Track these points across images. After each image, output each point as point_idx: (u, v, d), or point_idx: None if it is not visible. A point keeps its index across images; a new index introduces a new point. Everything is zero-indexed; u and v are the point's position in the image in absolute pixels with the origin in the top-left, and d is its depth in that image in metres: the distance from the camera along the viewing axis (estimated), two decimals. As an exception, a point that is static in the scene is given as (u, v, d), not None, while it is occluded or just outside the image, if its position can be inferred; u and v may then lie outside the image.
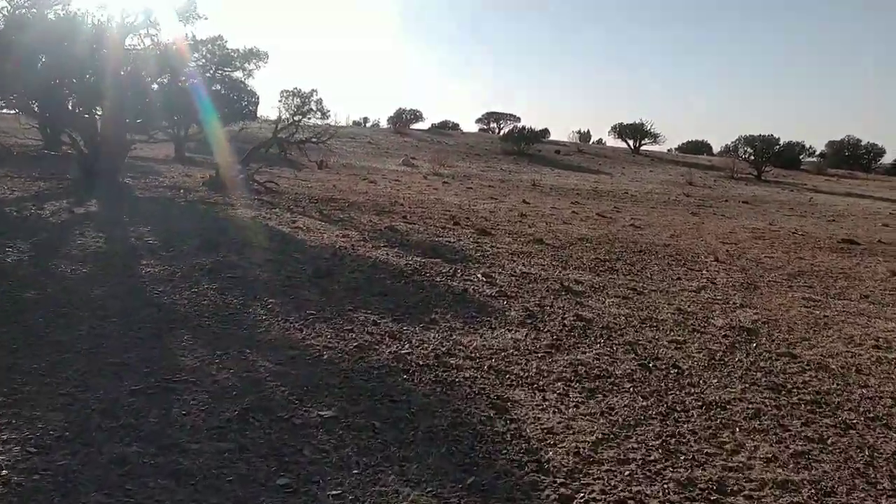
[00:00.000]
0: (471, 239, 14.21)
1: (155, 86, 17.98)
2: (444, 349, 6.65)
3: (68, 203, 13.32)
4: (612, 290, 10.23)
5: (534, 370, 6.30)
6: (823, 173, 52.18)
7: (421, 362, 6.23)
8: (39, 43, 15.64)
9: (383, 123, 64.23)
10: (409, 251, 11.81)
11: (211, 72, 18.07)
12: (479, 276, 10.23)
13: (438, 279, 9.77)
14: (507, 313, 8.25)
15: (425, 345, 6.74)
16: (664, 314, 8.96)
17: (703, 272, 12.92)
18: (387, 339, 6.84)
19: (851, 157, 58.85)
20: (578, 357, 6.76)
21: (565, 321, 8.10)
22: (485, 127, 68.81)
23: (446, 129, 64.88)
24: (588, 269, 12.04)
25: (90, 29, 15.71)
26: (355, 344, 6.54)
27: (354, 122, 63.49)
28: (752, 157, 46.68)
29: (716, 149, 66.85)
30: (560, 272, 11.40)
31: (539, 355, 6.75)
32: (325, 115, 23.54)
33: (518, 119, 64.29)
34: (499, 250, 13.02)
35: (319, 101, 23.24)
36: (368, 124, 65.12)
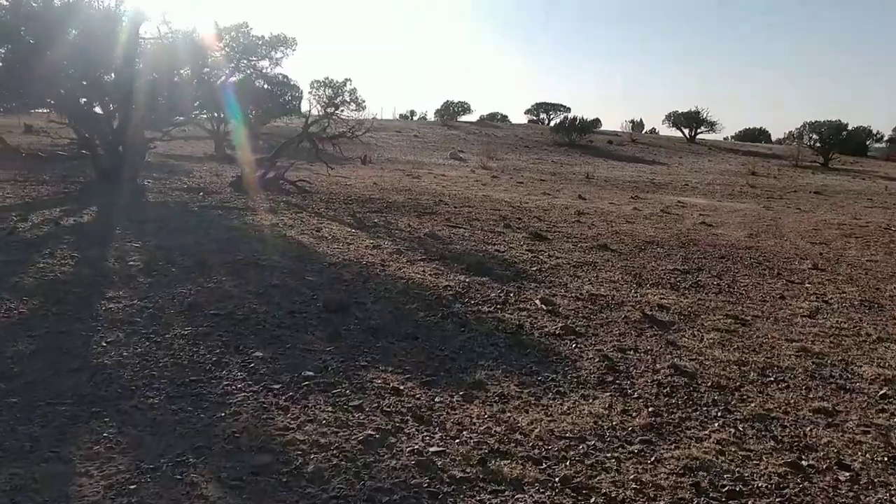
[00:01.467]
0: (524, 246, 11.89)
1: (176, 78, 15.96)
2: (492, 443, 4.37)
3: (61, 212, 11.36)
4: (707, 319, 7.84)
5: (631, 485, 3.99)
6: (893, 159, 48.48)
7: (458, 473, 3.96)
8: (44, 31, 13.75)
9: (430, 116, 62.01)
10: (450, 266, 9.57)
11: (235, 61, 15.97)
12: (536, 301, 7.93)
13: (486, 309, 7.49)
14: (578, 365, 5.94)
15: (465, 433, 4.47)
16: (788, 359, 6.55)
17: (807, 285, 10.44)
18: (410, 421, 4.59)
19: (920, 141, 54.78)
20: (692, 452, 4.42)
21: (659, 377, 5.77)
22: (534, 118, 66.09)
23: (495, 120, 62.39)
24: (669, 285, 9.65)
25: (96, 15, 13.73)
26: (361, 436, 4.30)
27: (401, 116, 61.47)
28: (818, 144, 43.31)
29: (774, 136, 63.27)
30: (636, 291, 9.03)
31: (634, 449, 4.43)
32: (359, 106, 21.33)
33: (568, 109, 61.50)
34: (558, 261, 10.69)
35: (353, 92, 21.15)
36: (415, 117, 62.97)
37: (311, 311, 6.86)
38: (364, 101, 24.20)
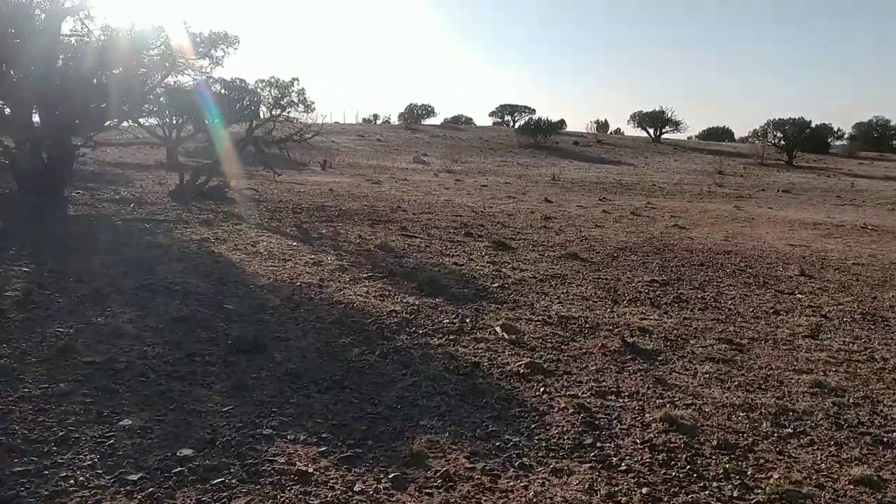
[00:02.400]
0: (486, 257, 10.57)
1: (105, 79, 14.41)
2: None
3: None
4: (697, 345, 6.55)
5: None
6: (854, 157, 48.00)
7: None
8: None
9: (394, 120, 60.56)
10: (400, 285, 8.20)
11: (170, 61, 14.42)
12: (497, 329, 6.59)
13: (435, 341, 6.13)
14: (548, 419, 4.60)
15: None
16: (802, 399, 5.28)
17: (798, 295, 9.23)
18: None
19: (879, 138, 54.45)
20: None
21: (651, 434, 4.44)
22: (499, 120, 64.86)
23: (459, 123, 61.09)
24: (648, 300, 8.36)
25: (9, 9, 12.17)
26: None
27: (364, 120, 59.94)
28: (783, 143, 42.56)
29: (737, 135, 62.73)
30: (612, 310, 7.73)
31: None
32: (308, 107, 19.86)
33: (533, 111, 60.30)
34: (523, 274, 9.38)
35: (302, 92, 19.58)
36: (379, 121, 61.48)
37: (218, 352, 5.44)
38: (313, 103, 22.64)
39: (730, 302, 8.58)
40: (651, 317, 7.54)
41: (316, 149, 37.43)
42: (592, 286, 9.01)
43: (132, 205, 13.17)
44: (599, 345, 6.31)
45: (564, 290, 8.58)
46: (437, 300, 7.57)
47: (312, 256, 9.56)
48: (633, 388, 5.26)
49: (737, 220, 18.09)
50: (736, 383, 5.53)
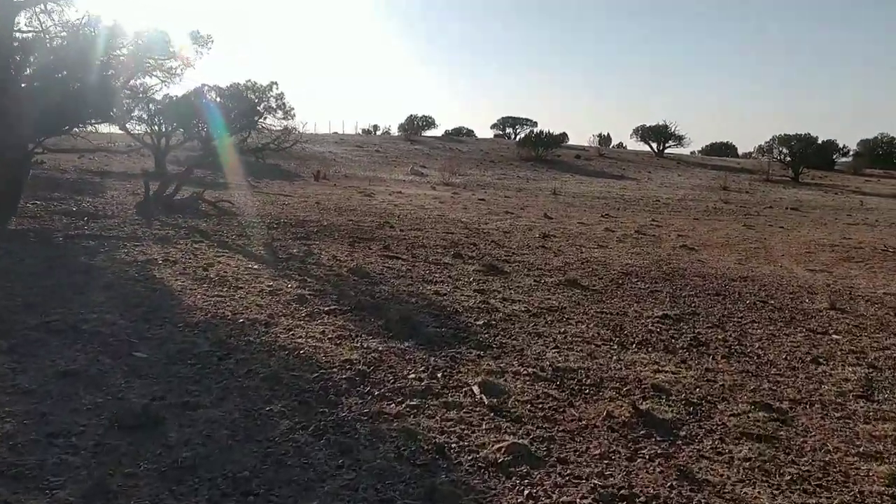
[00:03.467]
0: (473, 284, 9.13)
1: (59, 76, 13.00)
2: None
3: None
4: (729, 414, 5.09)
5: None
6: (860, 174, 46.54)
7: None
8: None
9: (394, 131, 59.23)
10: (366, 322, 6.76)
11: (136, 61, 13.06)
12: (474, 388, 5.13)
13: (393, 408, 4.68)
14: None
15: None
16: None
17: (833, 335, 7.79)
18: None
19: (885, 155, 52.97)
20: None
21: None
22: (500, 133, 63.55)
23: (460, 135, 59.72)
24: (661, 344, 6.91)
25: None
26: None
27: (363, 131, 58.63)
28: (788, 159, 41.12)
29: (741, 150, 61.33)
30: (618, 358, 6.28)
31: None
32: (288, 114, 18.45)
33: (535, 123, 59.02)
34: (514, 308, 7.93)
35: (280, 97, 18.18)
36: (378, 132, 60.13)
37: (93, 429, 4.00)
38: (293, 109, 21.28)
39: (757, 345, 7.12)
40: (666, 368, 6.09)
41: (312, 159, 36.11)
42: (595, 323, 7.56)
43: (86, 218, 11.75)
44: (604, 413, 4.85)
45: (562, 330, 7.13)
46: (407, 344, 6.12)
47: (271, 283, 8.11)
48: (650, 489, 3.81)
49: (748, 241, 16.63)
50: (787, 478, 4.07)
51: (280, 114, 19.06)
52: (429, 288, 8.72)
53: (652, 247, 14.71)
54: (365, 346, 5.96)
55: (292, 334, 6.15)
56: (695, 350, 6.79)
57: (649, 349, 6.71)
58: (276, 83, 19.06)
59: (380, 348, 5.92)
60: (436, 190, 27.26)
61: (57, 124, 13.18)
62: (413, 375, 5.33)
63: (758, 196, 32.54)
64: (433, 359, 5.78)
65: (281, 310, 6.97)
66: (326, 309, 7.15)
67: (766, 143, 42.12)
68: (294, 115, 22.40)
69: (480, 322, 7.16)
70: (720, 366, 6.30)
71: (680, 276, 11.28)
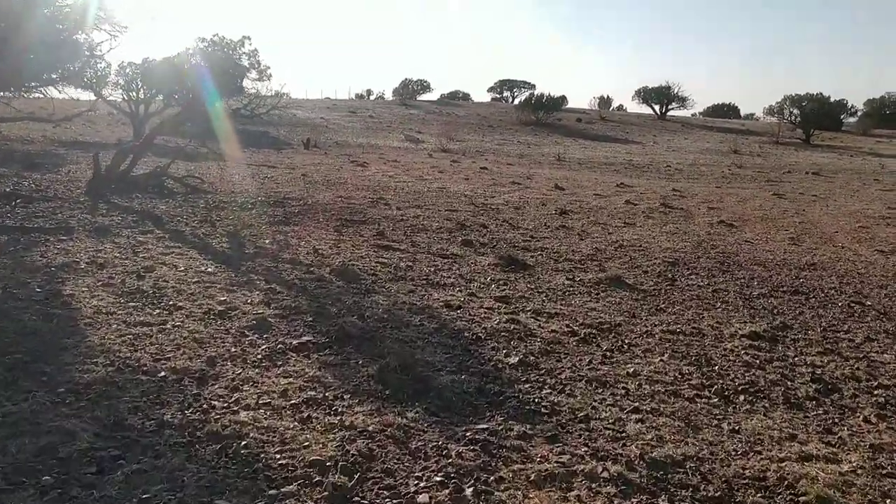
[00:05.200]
0: (493, 289, 6.89)
1: None
2: None
3: None
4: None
5: None
6: (869, 134, 44.12)
7: None
8: None
9: (389, 96, 56.38)
10: (349, 371, 4.53)
11: (82, 13, 10.64)
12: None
13: None
14: None
15: None
16: None
17: None
18: None
19: (892, 115, 50.46)
20: None
21: None
22: (497, 96, 60.65)
23: (456, 99, 56.93)
24: (778, 393, 4.69)
25: None
26: None
27: (357, 96, 55.83)
28: (798, 120, 38.65)
29: (743, 111, 58.74)
30: (731, 426, 4.08)
31: None
32: (263, 74, 15.91)
33: (533, 86, 56.10)
34: (553, 327, 5.70)
35: (254, 54, 15.62)
36: (372, 97, 57.29)
37: None
38: (269, 69, 18.77)
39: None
40: (810, 445, 3.87)
41: (303, 126, 33.57)
42: (668, 352, 5.33)
43: (15, 202, 9.41)
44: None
45: (629, 369, 4.89)
46: (412, 414, 3.88)
47: (224, 297, 5.84)
48: None
49: (788, 214, 14.39)
50: None
51: (254, 73, 16.47)
52: (436, 297, 6.46)
53: (685, 223, 12.49)
54: (348, 423, 3.71)
55: (235, 402, 3.89)
56: (828, 401, 4.57)
57: (765, 403, 4.48)
58: (248, 38, 16.52)
59: (370, 428, 3.67)
60: (433, 157, 24.86)
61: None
62: (423, 498, 3.08)
63: (771, 160, 30.19)
64: (454, 449, 3.54)
65: (228, 348, 4.70)
66: (295, 343, 4.89)
67: (776, 103, 39.57)
68: (270, 75, 19.82)
69: (513, 359, 4.91)
70: (884, 440, 4.06)
71: (736, 264, 9.09)
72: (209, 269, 6.78)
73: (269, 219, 10.01)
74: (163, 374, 4.15)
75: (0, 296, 5.31)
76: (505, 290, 6.96)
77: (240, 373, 4.29)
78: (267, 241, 8.44)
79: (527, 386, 4.45)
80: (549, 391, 4.40)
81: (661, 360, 5.12)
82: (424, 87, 53.15)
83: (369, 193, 13.61)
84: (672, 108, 48.34)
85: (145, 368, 4.21)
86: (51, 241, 7.42)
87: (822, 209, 15.53)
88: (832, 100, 39.86)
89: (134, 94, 25.77)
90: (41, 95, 22.08)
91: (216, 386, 4.09)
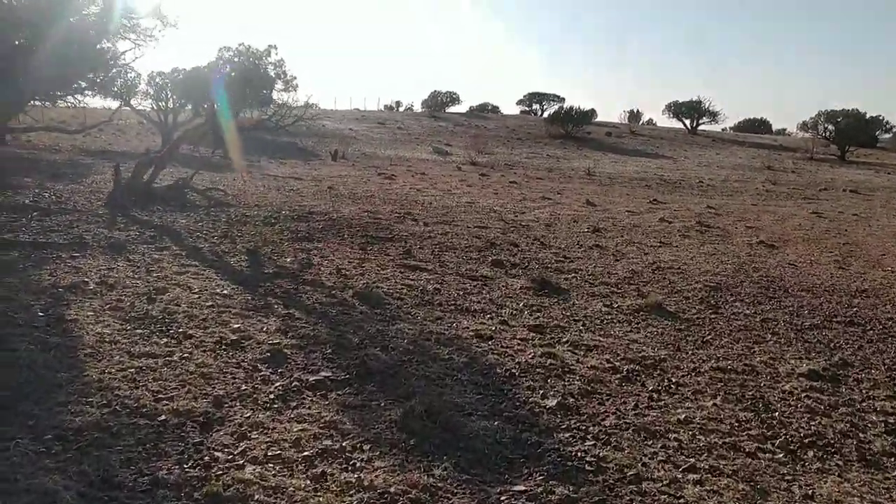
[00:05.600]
0: (526, 316, 6.40)
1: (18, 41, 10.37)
2: None
3: None
4: None
5: None
6: (905, 151, 42.91)
7: None
8: None
9: (417, 107, 56.11)
10: (370, 415, 4.08)
11: (107, 21, 10.35)
12: None
13: None
14: None
15: None
16: None
17: None
18: None
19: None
20: None
21: None
22: (527, 109, 60.12)
23: (485, 111, 56.50)
24: (851, 449, 4.14)
25: None
26: None
27: (386, 107, 55.63)
28: (834, 136, 37.67)
29: (775, 126, 57.64)
30: (803, 491, 3.51)
31: None
32: (289, 84, 15.57)
33: (563, 99, 55.49)
34: (593, 362, 5.20)
35: (280, 64, 15.28)
36: (401, 108, 57.05)
37: None
38: (295, 79, 18.39)
39: None
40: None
41: (331, 136, 33.34)
42: (720, 393, 4.80)
43: (32, 215, 9.09)
44: None
45: (679, 414, 4.38)
46: (440, 472, 3.40)
47: (239, 324, 5.40)
48: None
49: (830, 234, 13.73)
50: None
51: (280, 84, 16.15)
52: (465, 325, 5.98)
53: (723, 243, 11.91)
54: (367, 483, 3.24)
55: (241, 453, 3.44)
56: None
57: (838, 460, 3.94)
58: (274, 47, 16.17)
59: (392, 489, 3.20)
60: (462, 170, 24.43)
61: (19, 97, 10.58)
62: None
63: (806, 177, 29.35)
64: (489, 519, 3.04)
65: (238, 385, 4.26)
66: (312, 380, 4.43)
67: (810, 119, 38.56)
68: (296, 85, 19.47)
69: (552, 401, 4.42)
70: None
71: (782, 289, 8.51)
72: (225, 291, 6.36)
73: (292, 235, 9.60)
74: (163, 416, 3.71)
75: (0, 321, 4.91)
76: (539, 317, 6.47)
77: (249, 416, 3.84)
78: (288, 260, 8.02)
79: (567, 435, 3.96)
80: (592, 442, 3.90)
81: (714, 405, 4.59)
82: (453, 98, 52.81)
83: (396, 208, 13.19)
84: (703, 123, 47.46)
85: (144, 410, 3.77)
86: (62, 257, 7.05)
87: (865, 229, 14.83)
88: (867, 116, 38.69)
89: (163, 103, 25.66)
90: (69, 105, 22.05)
91: (221, 432, 3.64)
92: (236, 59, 16.72)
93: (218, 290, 6.36)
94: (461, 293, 7.14)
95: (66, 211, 9.77)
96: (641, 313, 6.90)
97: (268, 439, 3.60)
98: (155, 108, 25.77)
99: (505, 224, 12.27)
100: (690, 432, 4.12)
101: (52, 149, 20.19)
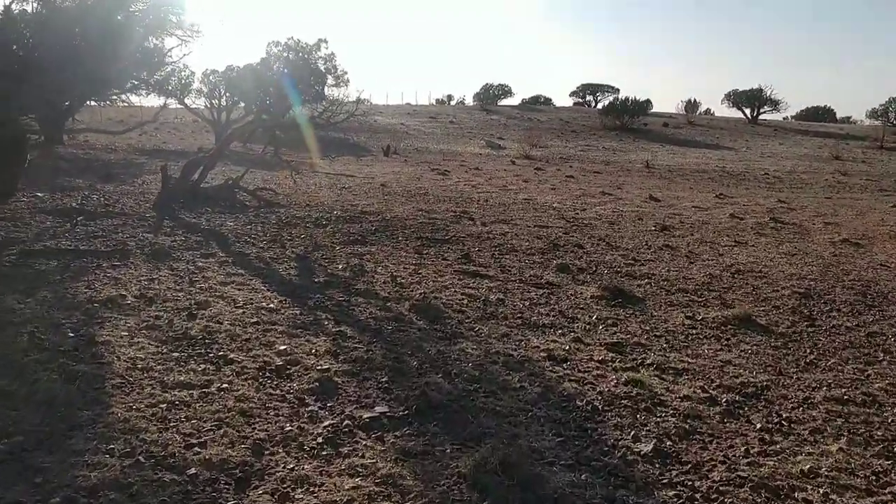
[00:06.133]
0: (601, 332, 5.71)
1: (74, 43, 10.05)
2: None
3: None
4: None
5: None
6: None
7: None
8: None
9: (469, 101, 55.32)
10: (436, 456, 3.44)
11: (155, 18, 9.92)
12: None
13: None
14: None
15: None
16: None
17: None
18: None
19: None
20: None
21: None
22: (580, 100, 58.84)
23: (538, 104, 55.42)
24: None
25: None
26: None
27: (437, 101, 55.01)
28: (904, 123, 35.77)
29: (839, 114, 55.30)
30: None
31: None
32: (340, 79, 14.98)
33: (617, 90, 54.09)
34: (686, 395, 4.46)
35: (331, 59, 14.69)
36: (453, 102, 56.34)
37: None
38: (346, 74, 17.79)
39: None
40: None
41: (383, 132, 32.89)
42: (846, 436, 4.02)
43: (78, 219, 8.69)
44: None
45: (802, 465, 3.64)
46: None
47: (285, 345, 4.83)
48: None
49: (919, 230, 12.62)
50: None
51: (330, 79, 15.57)
52: (535, 343, 5.30)
53: (803, 242, 10.99)
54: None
55: (283, 522, 2.81)
56: None
57: None
58: (324, 41, 15.57)
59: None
60: (516, 164, 23.68)
61: (68, 96, 10.25)
62: None
63: (878, 167, 27.78)
64: None
65: (282, 425, 3.66)
66: (366, 417, 3.82)
67: (879, 106, 36.64)
68: (348, 80, 18.89)
69: (646, 445, 3.72)
70: None
71: (881, 296, 7.65)
72: (271, 305, 5.79)
73: (344, 238, 9.04)
74: (193, 470, 3.13)
75: (25, 345, 4.41)
76: (615, 332, 5.76)
77: (293, 467, 3.24)
78: (340, 267, 7.44)
79: (671, 494, 3.26)
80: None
81: (840, 449, 3.83)
82: (506, 91, 51.91)
83: (452, 206, 12.55)
84: (764, 112, 45.67)
85: (172, 461, 3.19)
86: (103, 266, 6.58)
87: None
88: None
89: (216, 101, 25.47)
90: (126, 104, 21.95)
91: (260, 490, 3.04)
92: (285, 55, 16.20)
93: (264, 304, 5.80)
94: (527, 304, 6.47)
95: (112, 214, 9.36)
96: (729, 327, 6.14)
97: (315, 501, 2.99)
98: (208, 105, 25.58)
99: (566, 222, 11.54)
100: (821, 490, 3.38)
101: (108, 148, 20.07)
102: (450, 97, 58.19)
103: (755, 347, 5.62)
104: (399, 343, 5.09)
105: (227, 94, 25.16)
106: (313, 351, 4.78)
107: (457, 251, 8.64)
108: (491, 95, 51.06)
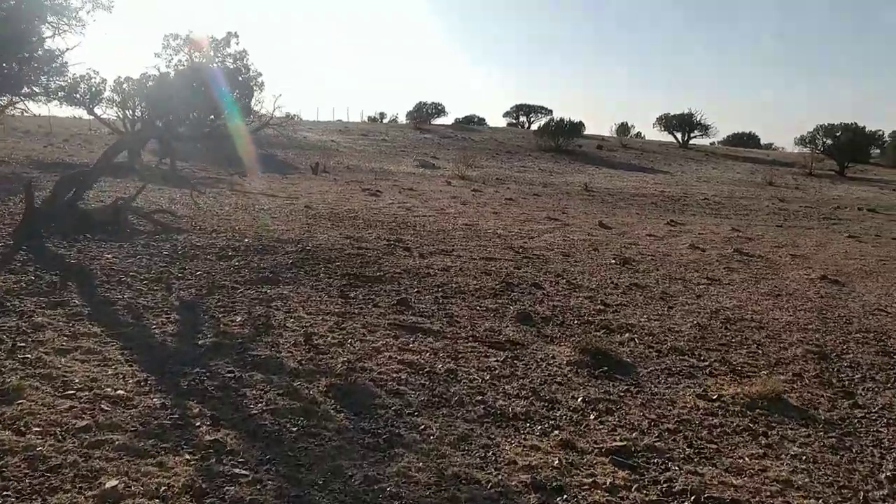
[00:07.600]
0: (593, 425, 3.93)
1: None
2: None
3: None
4: None
5: None
6: (896, 166, 41.08)
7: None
8: None
9: (402, 119, 53.60)
10: None
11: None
12: None
13: None
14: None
15: None
16: None
17: None
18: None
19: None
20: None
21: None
22: (514, 121, 57.80)
23: (472, 124, 54.08)
24: None
25: None
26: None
27: (369, 118, 53.09)
28: (832, 151, 35.65)
29: (763, 140, 55.78)
30: None
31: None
32: (254, 83, 13.01)
33: (550, 112, 53.21)
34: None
35: (243, 56, 12.71)
36: (385, 120, 54.51)
37: None
38: (261, 76, 15.90)
39: None
40: None
41: (312, 148, 30.80)
42: None
43: None
44: None
45: None
46: None
47: (119, 475, 2.89)
48: None
49: (888, 265, 11.48)
50: None
51: (240, 78, 13.56)
52: (508, 453, 3.54)
53: (778, 278, 9.69)
54: None
55: None
56: None
57: None
58: (235, 34, 13.50)
59: None
60: (452, 185, 22.01)
61: None
62: None
63: (812, 193, 27.21)
64: None
65: None
66: None
67: (808, 133, 36.45)
68: (262, 83, 16.86)
69: None
70: None
71: (882, 352, 6.18)
72: (120, 391, 3.85)
73: (252, 275, 7.10)
74: None
75: None
76: (615, 427, 4.04)
77: None
78: (238, 320, 5.52)
79: None
80: None
81: None
82: (439, 110, 50.38)
83: (384, 232, 10.74)
84: (694, 136, 45.38)
85: None
86: None
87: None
88: (866, 130, 36.66)
89: (130, 111, 23.05)
90: (23, 111, 19.40)
91: None
92: (184, 51, 14.08)
93: (110, 390, 3.85)
94: (487, 377, 4.70)
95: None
96: (759, 412, 4.50)
97: None
98: (121, 116, 23.12)
99: (515, 253, 9.88)
100: None
101: (1, 160, 17.53)
102: (382, 115, 56.32)
103: (807, 450, 3.98)
104: (305, 464, 3.23)
105: (142, 105, 22.75)
106: (162, 490, 2.87)
107: (391, 294, 6.83)
108: (424, 114, 49.44)
